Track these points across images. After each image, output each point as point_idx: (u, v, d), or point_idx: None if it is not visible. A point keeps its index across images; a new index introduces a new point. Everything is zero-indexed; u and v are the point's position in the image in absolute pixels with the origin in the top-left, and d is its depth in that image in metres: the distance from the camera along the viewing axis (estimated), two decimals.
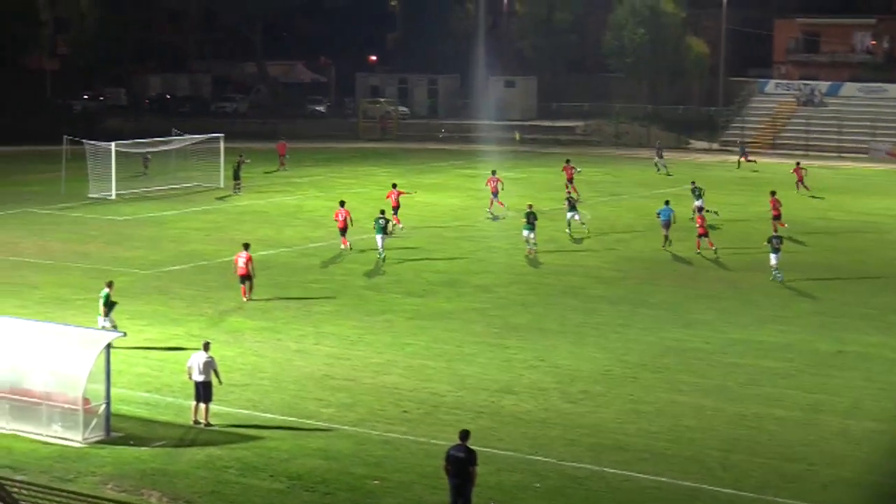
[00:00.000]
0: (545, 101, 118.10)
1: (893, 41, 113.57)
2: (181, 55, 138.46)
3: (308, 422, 31.90)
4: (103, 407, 30.64)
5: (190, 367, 31.70)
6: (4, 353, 31.55)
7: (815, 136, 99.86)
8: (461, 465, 25.29)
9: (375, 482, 28.03)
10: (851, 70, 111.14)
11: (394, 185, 61.62)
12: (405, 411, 32.84)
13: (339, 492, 27.51)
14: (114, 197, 69.27)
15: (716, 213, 59.06)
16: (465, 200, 69.68)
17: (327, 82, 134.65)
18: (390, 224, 54.43)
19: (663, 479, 28.44)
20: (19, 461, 28.89)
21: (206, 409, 31.46)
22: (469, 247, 56.39)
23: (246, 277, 44.55)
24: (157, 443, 30.28)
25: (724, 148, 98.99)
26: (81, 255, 53.45)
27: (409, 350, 38.66)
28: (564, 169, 72.65)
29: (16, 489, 25.54)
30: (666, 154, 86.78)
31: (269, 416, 32.36)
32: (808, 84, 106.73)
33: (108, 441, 30.30)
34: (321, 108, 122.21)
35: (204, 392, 31.46)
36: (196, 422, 31.48)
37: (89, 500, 25.59)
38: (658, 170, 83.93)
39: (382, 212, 53.58)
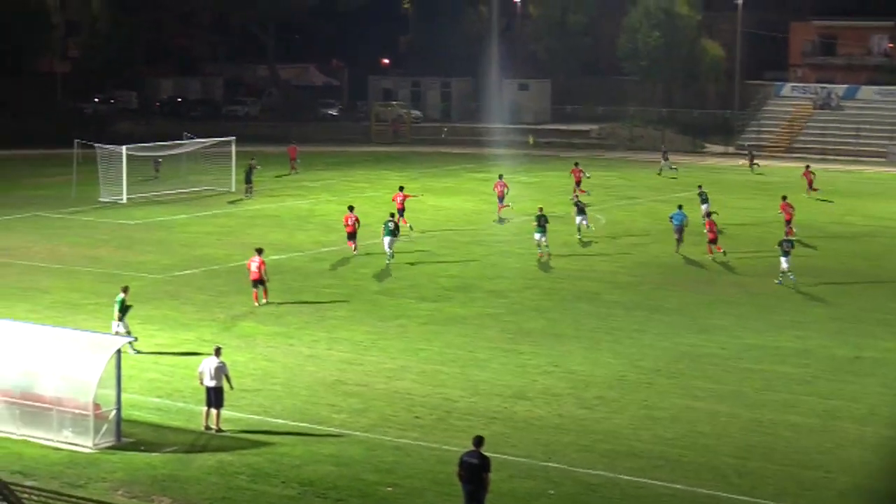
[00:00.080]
0: (559, 105, 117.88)
1: None
2: (193, 58, 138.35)
3: (320, 427, 31.73)
4: (114, 412, 30.54)
5: (201, 373, 31.58)
6: (15, 358, 31.46)
7: (831, 140, 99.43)
8: (474, 471, 25.13)
9: (388, 489, 27.88)
10: (868, 73, 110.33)
11: (400, 188, 61.50)
12: (417, 417, 32.67)
13: (351, 498, 27.35)
14: (124, 201, 69.17)
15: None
16: (478, 204, 69.46)
17: (339, 85, 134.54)
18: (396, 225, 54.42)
19: (678, 486, 28.24)
20: (29, 467, 28.79)
21: (218, 415, 31.33)
22: (482, 251, 56.20)
23: (259, 282, 44.47)
24: (167, 448, 30.15)
25: (740, 152, 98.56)
26: (92, 259, 53.33)
27: (422, 355, 38.45)
28: (573, 172, 72.50)
29: (26, 495, 25.50)
30: (681, 158, 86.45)
31: (280, 421, 32.19)
32: (824, 87, 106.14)
33: (118, 447, 30.19)
34: (333, 112, 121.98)
35: (215, 397, 31.32)
36: (207, 427, 31.35)
37: None
38: (660, 172, 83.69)
39: (392, 215, 54.06)
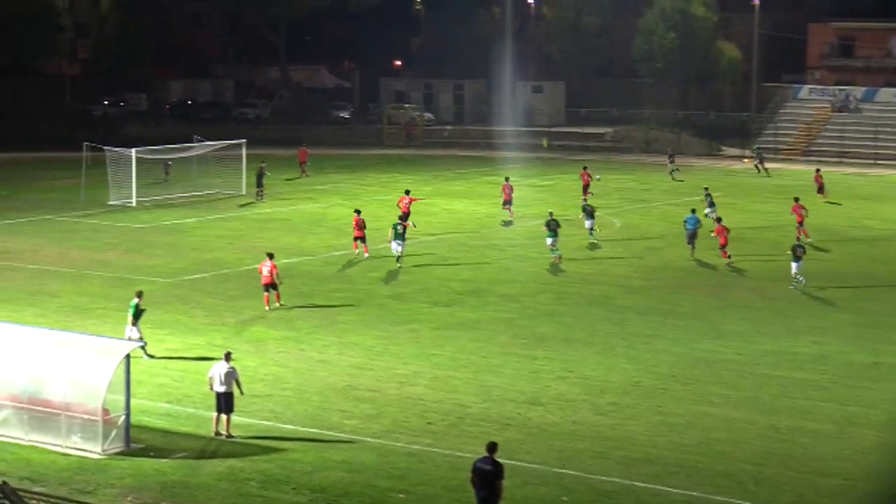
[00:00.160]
0: (573, 107, 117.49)
1: None
2: (203, 59, 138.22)
3: (331, 433, 31.49)
4: (123, 418, 30.37)
5: (211, 378, 31.38)
6: (23, 362, 31.29)
7: (850, 143, 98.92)
8: (488, 478, 24.90)
9: (400, 495, 27.65)
10: (887, 75, 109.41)
11: (406, 192, 61.28)
12: (430, 423, 32.41)
13: None
14: (134, 204, 69.04)
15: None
16: (491, 208, 69.18)
17: (351, 87, 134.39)
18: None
19: (694, 493, 27.95)
20: (38, 472, 28.63)
21: (228, 421, 31.14)
22: (495, 255, 55.96)
23: (271, 286, 44.28)
24: (177, 454, 29.94)
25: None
26: (101, 263, 53.14)
27: (435, 360, 38.19)
28: (582, 175, 72.27)
29: (34, 501, 25.44)
30: (697, 161, 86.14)
31: (291, 427, 31.98)
32: (842, 90, 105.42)
33: (127, 453, 30.01)
34: (345, 114, 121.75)
35: (225, 403, 31.12)
36: (217, 433, 31.14)
37: None
38: (672, 175, 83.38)
39: (401, 218, 54.32)
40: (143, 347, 36.78)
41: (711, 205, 61.78)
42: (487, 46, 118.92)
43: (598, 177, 73.23)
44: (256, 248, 53.77)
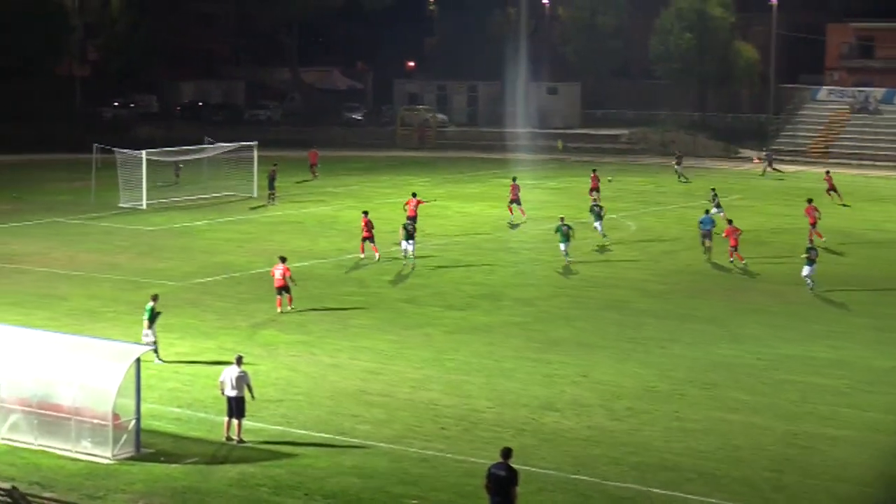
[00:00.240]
0: (589, 109, 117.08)
1: None
2: (214, 61, 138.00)
3: (343, 439, 31.26)
4: (133, 422, 30.22)
5: (222, 382, 31.19)
6: (33, 366, 31.12)
7: (869, 144, 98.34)
8: (502, 484, 24.69)
9: (413, 501, 27.45)
10: None
11: (413, 195, 60.98)
12: (443, 428, 32.15)
13: None
14: (144, 206, 68.82)
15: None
16: (505, 211, 68.77)
17: (364, 89, 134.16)
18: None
19: (712, 500, 27.72)
20: (47, 477, 28.48)
21: (239, 426, 30.94)
22: (509, 258, 55.71)
23: (283, 289, 44.09)
24: (188, 460, 29.75)
25: (775, 157, 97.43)
26: (111, 265, 52.92)
27: (448, 365, 37.92)
28: (592, 178, 71.94)
29: None
30: (715, 164, 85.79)
31: (303, 432, 31.76)
32: (862, 91, 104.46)
33: (138, 458, 29.84)
34: (358, 116, 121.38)
35: (236, 407, 30.92)
36: (228, 438, 30.95)
37: None
38: (686, 179, 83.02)
39: (410, 219, 54.26)
40: (155, 351, 36.59)
41: (718, 206, 61.50)
42: (502, 47, 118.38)
43: (610, 178, 72.84)
44: (267, 251, 53.62)
